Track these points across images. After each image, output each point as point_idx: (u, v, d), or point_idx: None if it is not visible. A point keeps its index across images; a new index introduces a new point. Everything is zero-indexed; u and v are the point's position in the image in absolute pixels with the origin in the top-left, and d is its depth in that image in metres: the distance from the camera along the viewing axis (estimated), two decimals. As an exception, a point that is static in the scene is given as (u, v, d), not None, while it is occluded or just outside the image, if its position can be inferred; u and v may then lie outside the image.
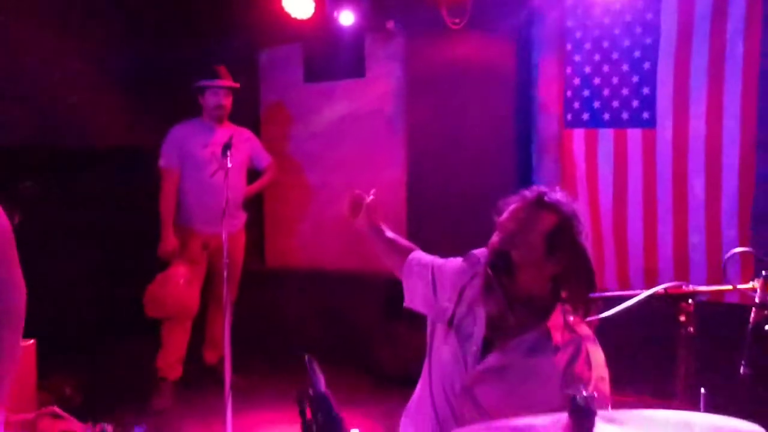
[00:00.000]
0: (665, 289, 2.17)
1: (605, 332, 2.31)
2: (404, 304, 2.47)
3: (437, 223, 4.82)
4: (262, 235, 5.96)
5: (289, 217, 5.86)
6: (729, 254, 1.92)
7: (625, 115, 4.16)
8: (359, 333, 5.25)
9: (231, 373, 3.80)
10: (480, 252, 2.26)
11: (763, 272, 1.78)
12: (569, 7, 4.34)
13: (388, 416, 3.35)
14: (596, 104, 4.26)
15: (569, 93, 4.36)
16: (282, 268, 5.91)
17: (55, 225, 5.13)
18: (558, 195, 2.23)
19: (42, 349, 4.14)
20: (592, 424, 1.15)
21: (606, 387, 2.09)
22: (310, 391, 1.38)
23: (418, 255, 2.50)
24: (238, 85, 4.83)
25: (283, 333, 5.55)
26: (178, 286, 4.40)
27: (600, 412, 1.25)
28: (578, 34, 4.31)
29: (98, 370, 4.81)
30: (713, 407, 1.86)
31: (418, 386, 2.33)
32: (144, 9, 5.49)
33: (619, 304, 2.15)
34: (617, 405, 2.11)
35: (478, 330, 2.18)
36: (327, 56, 5.52)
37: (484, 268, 2.21)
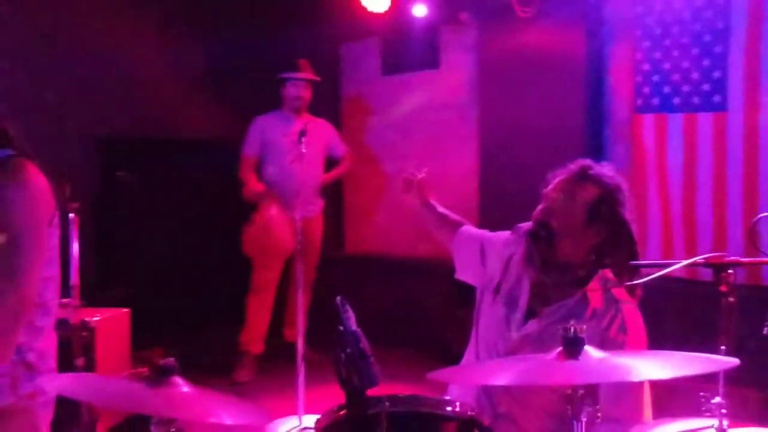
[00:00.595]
0: (705, 258, 2.22)
1: (651, 302, 2.38)
2: (455, 276, 2.61)
3: (509, 211, 4.89)
4: (342, 223, 6.20)
5: (366, 205, 6.08)
6: (757, 217, 1.96)
7: (695, 100, 4.15)
8: (431, 317, 5.40)
9: (305, 347, 4.06)
10: (526, 225, 2.39)
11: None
12: (639, -8, 4.35)
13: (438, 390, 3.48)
14: (666, 89, 4.25)
15: (639, 78, 4.38)
16: (360, 255, 6.13)
17: (150, 210, 5.55)
18: (603, 168, 2.34)
19: (138, 323, 4.51)
20: (579, 351, 1.28)
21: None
22: (341, 328, 1.55)
23: (468, 228, 2.64)
24: (318, 78, 5.08)
25: (360, 316, 5.77)
26: (273, 226, 4.63)
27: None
28: (648, 19, 4.32)
29: (188, 344, 5.15)
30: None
31: (466, 353, 2.47)
32: (234, 4, 5.83)
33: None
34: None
35: (522, 297, 2.30)
36: (403, 49, 5.70)
37: (525, 236, 2.34)
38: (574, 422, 1.31)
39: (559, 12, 4.58)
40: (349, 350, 1.51)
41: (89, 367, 3.23)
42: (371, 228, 6.08)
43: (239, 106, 5.45)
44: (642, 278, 2.24)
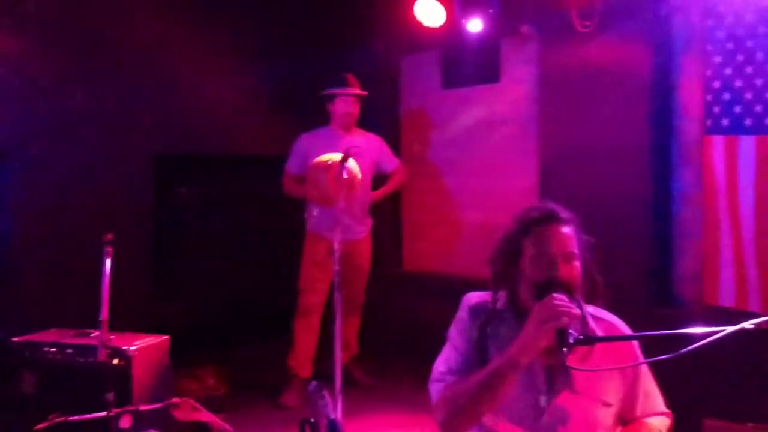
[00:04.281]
0: (755, 324, 2.00)
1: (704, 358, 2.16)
2: None
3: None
4: (400, 239, 6.08)
5: (426, 221, 5.93)
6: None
7: (769, 121, 3.81)
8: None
9: (360, 372, 4.09)
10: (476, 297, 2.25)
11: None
12: (709, 5, 4.03)
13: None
14: (737, 109, 3.92)
15: (709, 97, 4.06)
16: (419, 272, 5.99)
17: (207, 225, 5.60)
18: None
19: (191, 343, 4.53)
20: None
21: None
22: (312, 419, 1.43)
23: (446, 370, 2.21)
24: (366, 93, 4.94)
25: (419, 336, 5.64)
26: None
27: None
28: (719, 34, 3.99)
29: (239, 364, 5.15)
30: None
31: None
32: (289, 21, 5.79)
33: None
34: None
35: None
36: (463, 62, 5.52)
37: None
38: None
39: (623, 26, 4.31)
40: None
41: (123, 399, 3.24)
42: (429, 244, 5.93)
43: (296, 121, 5.41)
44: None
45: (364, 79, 5.14)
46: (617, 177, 4.59)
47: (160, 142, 5.23)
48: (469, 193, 5.61)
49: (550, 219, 2.13)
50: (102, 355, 2.95)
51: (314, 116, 5.19)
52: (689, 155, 4.34)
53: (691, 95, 4.27)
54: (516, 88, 5.22)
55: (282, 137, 5.56)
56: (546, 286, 2.01)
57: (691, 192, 4.35)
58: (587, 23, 4.30)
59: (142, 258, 5.19)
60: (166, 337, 3.77)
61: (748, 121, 3.89)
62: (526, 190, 5.13)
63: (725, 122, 3.99)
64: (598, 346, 2.07)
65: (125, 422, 3.32)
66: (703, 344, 1.97)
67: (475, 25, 4.69)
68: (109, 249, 3.14)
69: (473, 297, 2.26)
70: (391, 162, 5.08)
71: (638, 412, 2.14)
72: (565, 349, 1.86)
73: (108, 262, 3.11)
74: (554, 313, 1.88)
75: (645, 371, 2.16)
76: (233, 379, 4.94)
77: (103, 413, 3.11)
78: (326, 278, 4.89)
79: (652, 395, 2.19)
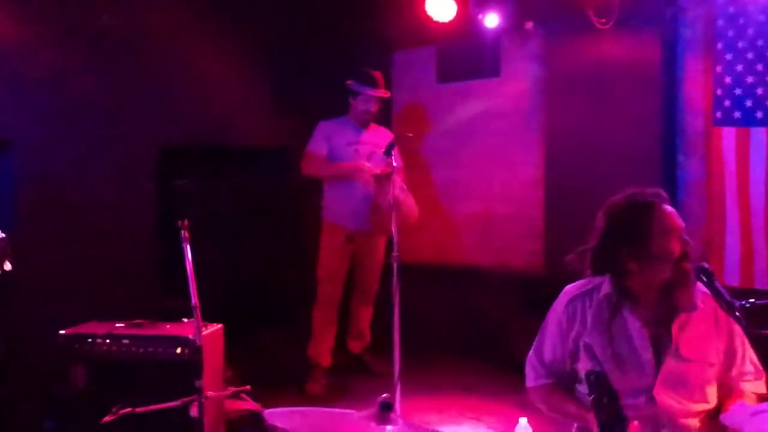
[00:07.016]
0: None
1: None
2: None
3: (576, 222, 4.88)
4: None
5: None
6: None
7: (779, 114, 4.15)
8: (491, 328, 5.37)
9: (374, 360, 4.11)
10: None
11: None
12: (720, 6, 4.34)
13: (524, 406, 3.39)
14: (748, 103, 4.25)
15: (719, 91, 4.37)
16: (412, 263, 6.06)
17: (210, 218, 5.48)
18: None
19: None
20: None
21: None
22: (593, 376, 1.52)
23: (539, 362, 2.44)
24: (388, 94, 5.02)
25: (414, 327, 5.73)
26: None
27: None
28: (730, 33, 4.31)
29: (255, 354, 5.09)
30: None
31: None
32: (286, 14, 5.76)
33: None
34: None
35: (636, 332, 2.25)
36: (461, 57, 5.67)
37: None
38: None
39: (635, 24, 4.58)
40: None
41: (190, 388, 3.18)
42: (424, 236, 6.03)
43: (296, 113, 5.42)
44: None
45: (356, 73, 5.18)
46: (626, 168, 4.84)
47: (164, 133, 5.11)
48: (467, 184, 5.75)
49: (662, 199, 2.28)
50: (201, 341, 2.89)
51: (316, 106, 5.22)
52: (694, 146, 4.66)
53: (695, 90, 4.59)
54: (518, 83, 5.40)
55: (282, 129, 5.58)
56: (682, 259, 2.18)
57: (696, 180, 4.67)
58: (604, 20, 4.53)
59: (147, 251, 5.05)
60: (219, 325, 3.71)
61: (759, 114, 4.22)
62: (531, 180, 5.32)
63: (736, 115, 4.30)
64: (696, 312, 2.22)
65: (194, 411, 3.26)
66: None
67: (492, 20, 4.84)
68: (186, 234, 3.07)
69: (571, 290, 2.38)
70: (397, 161, 5.15)
71: (734, 372, 2.25)
72: (738, 314, 1.99)
73: (188, 248, 3.04)
74: None
75: (737, 329, 2.24)
76: (252, 370, 4.89)
77: (171, 403, 3.03)
78: (344, 268, 4.93)
79: (746, 353, 2.27)
